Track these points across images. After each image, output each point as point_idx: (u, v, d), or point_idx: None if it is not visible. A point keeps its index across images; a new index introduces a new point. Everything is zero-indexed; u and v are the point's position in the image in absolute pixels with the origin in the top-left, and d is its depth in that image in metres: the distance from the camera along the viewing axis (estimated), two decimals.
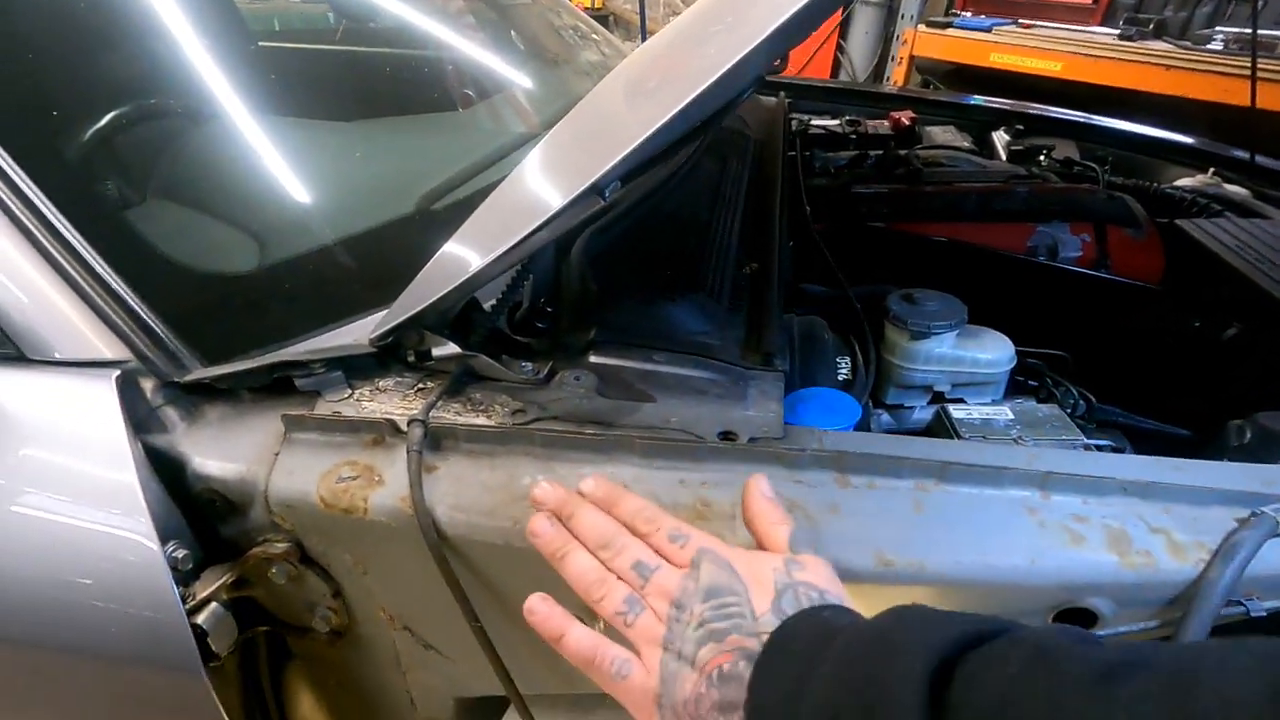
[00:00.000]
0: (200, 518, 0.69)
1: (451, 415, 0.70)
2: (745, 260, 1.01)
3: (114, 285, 0.70)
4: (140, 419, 0.68)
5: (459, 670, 0.73)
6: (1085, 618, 0.63)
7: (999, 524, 0.63)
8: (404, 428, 0.67)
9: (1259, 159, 1.72)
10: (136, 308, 0.70)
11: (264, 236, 0.87)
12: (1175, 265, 1.28)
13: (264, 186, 0.95)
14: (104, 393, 0.66)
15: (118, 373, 0.68)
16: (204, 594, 0.65)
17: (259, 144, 0.98)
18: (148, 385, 0.70)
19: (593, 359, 0.81)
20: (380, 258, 0.88)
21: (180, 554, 0.65)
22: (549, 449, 0.67)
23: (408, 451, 0.64)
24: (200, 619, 0.64)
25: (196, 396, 0.72)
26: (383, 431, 0.68)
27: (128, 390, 0.68)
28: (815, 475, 0.66)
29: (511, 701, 0.65)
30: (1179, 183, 1.68)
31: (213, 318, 0.76)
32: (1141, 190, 1.58)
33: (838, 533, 0.62)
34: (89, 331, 0.69)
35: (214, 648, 0.65)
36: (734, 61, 0.59)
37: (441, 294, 0.69)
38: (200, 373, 0.70)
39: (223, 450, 0.69)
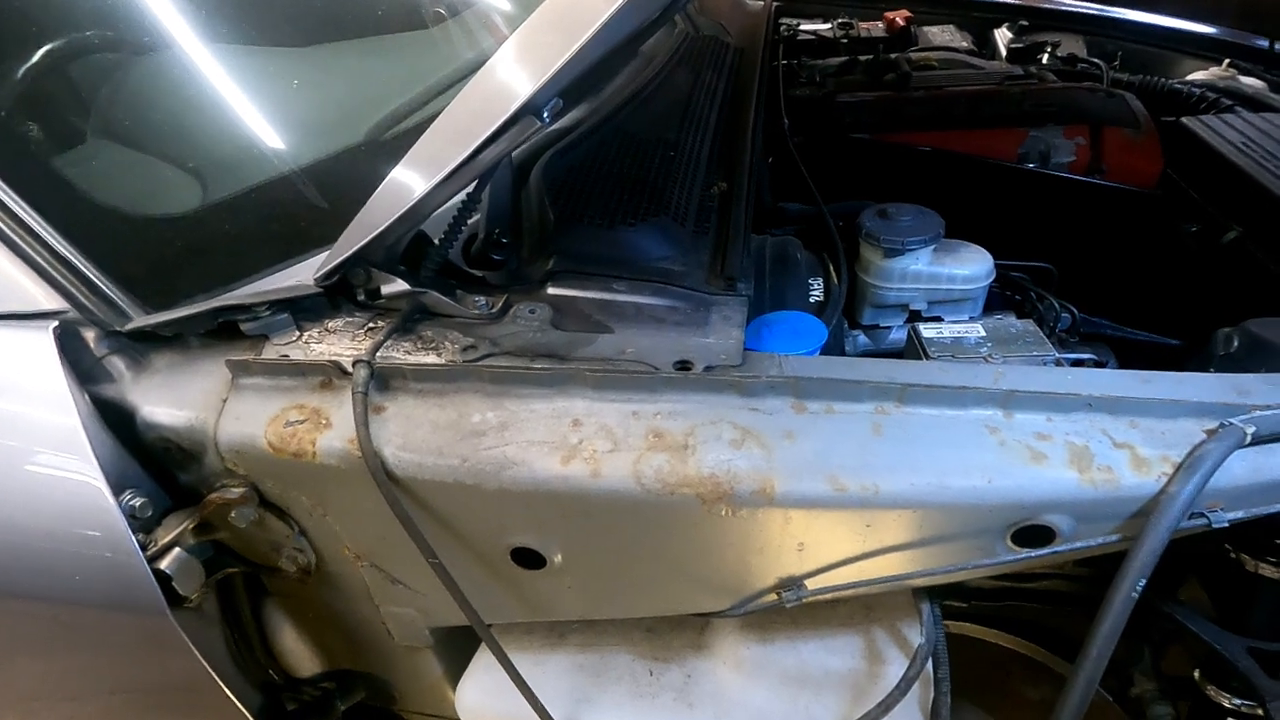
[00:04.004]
0: (159, 466, 0.69)
1: (401, 354, 0.69)
2: (714, 180, 0.96)
3: (43, 233, 0.68)
4: (85, 369, 0.67)
5: (429, 603, 0.75)
6: (1043, 534, 0.62)
7: (958, 445, 0.62)
8: (350, 369, 0.66)
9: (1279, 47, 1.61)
10: (70, 256, 0.68)
11: (206, 175, 0.84)
12: (1176, 165, 1.21)
13: (208, 122, 0.91)
14: (44, 345, 0.65)
15: (55, 324, 0.66)
16: (165, 540, 0.65)
17: (206, 75, 0.92)
18: (90, 335, 0.69)
19: (550, 291, 0.78)
20: (329, 192, 0.84)
21: (138, 502, 0.65)
22: (499, 385, 0.66)
23: (353, 393, 0.63)
24: (164, 564, 0.65)
25: (143, 345, 0.71)
26: (329, 374, 0.67)
27: (69, 341, 0.67)
28: (771, 402, 0.65)
29: (472, 623, 0.67)
30: (1191, 77, 1.58)
31: (153, 263, 0.74)
32: (1148, 87, 1.48)
33: (791, 459, 0.61)
34: (24, 282, 0.68)
35: (181, 590, 0.66)
36: None
37: (382, 228, 0.66)
38: (141, 320, 0.68)
39: (172, 398, 0.68)
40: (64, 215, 0.70)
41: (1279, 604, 0.80)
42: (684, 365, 0.67)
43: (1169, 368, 0.95)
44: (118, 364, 0.69)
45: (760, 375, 0.65)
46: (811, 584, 0.67)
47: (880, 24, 1.90)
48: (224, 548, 0.73)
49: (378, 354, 0.67)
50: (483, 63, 1.14)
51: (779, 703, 0.73)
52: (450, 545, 0.66)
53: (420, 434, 0.63)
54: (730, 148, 1.05)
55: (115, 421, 0.67)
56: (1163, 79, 1.53)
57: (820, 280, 0.92)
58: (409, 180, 0.66)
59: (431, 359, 0.68)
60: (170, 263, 0.75)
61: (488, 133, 0.61)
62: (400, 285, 0.72)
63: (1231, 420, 0.61)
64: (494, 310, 0.74)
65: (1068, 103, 1.19)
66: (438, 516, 0.65)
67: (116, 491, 0.64)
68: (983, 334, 0.77)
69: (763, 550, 0.64)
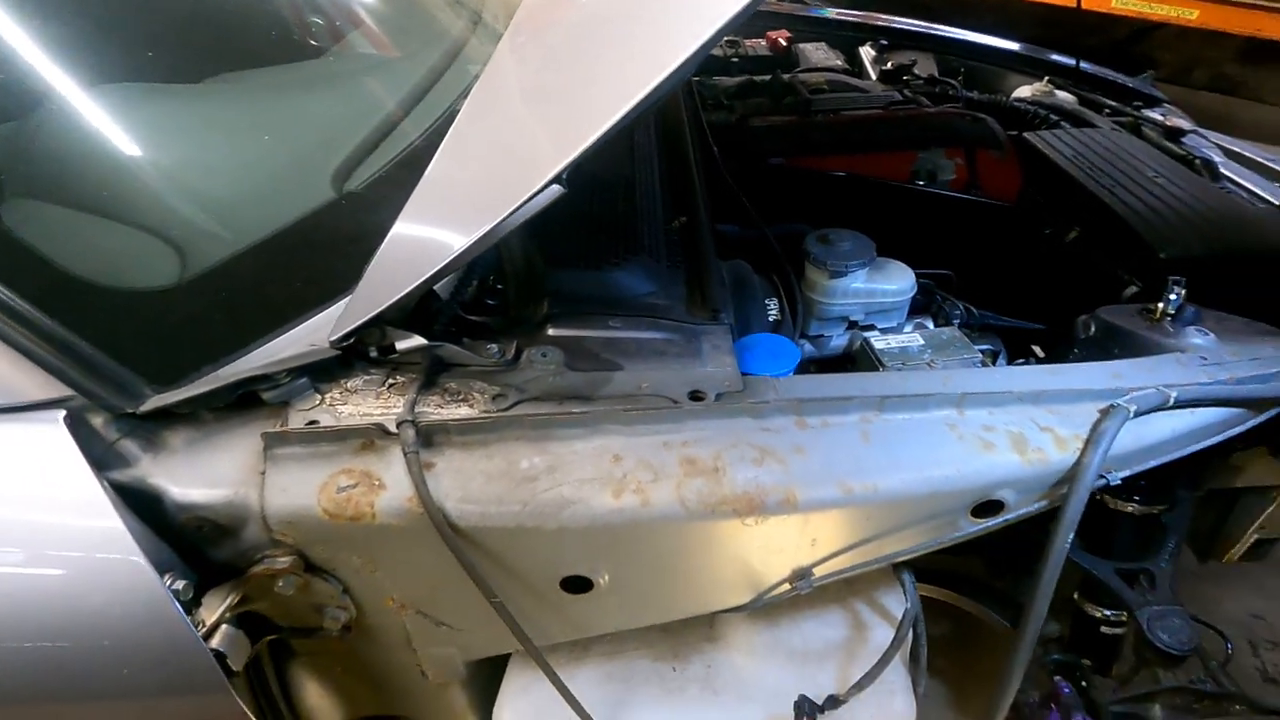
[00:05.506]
0: (186, 545, 0.68)
1: (434, 409, 0.72)
2: (674, 214, 1.05)
3: (33, 317, 0.64)
4: (99, 457, 0.65)
5: (472, 638, 0.78)
6: (995, 507, 0.78)
7: (929, 443, 0.75)
8: (393, 429, 0.68)
9: (1083, 65, 1.94)
10: (68, 339, 0.65)
11: (182, 242, 0.80)
12: (1026, 176, 1.45)
13: (146, 178, 0.85)
14: (55, 436, 0.62)
15: (63, 413, 0.63)
16: (213, 619, 0.65)
17: (137, 122, 0.85)
18: (98, 421, 0.66)
19: (552, 332, 0.84)
20: (316, 249, 0.84)
21: (180, 585, 0.64)
22: (539, 429, 0.71)
23: (404, 454, 0.66)
24: (215, 642, 0.65)
25: (153, 424, 0.69)
26: (371, 435, 0.69)
27: (79, 429, 0.64)
28: (778, 421, 0.75)
29: (531, 656, 0.72)
30: (1017, 93, 1.87)
31: (153, 337, 0.72)
32: (996, 105, 1.74)
33: (805, 470, 0.71)
34: (18, 373, 0.64)
35: (233, 666, 0.66)
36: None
37: (406, 292, 0.69)
38: (158, 400, 0.67)
39: (201, 476, 0.67)
40: (51, 296, 0.66)
41: (1135, 532, 1.02)
42: (697, 395, 0.76)
43: (1039, 344, 1.16)
44: (132, 447, 0.67)
45: (768, 400, 0.75)
46: (819, 571, 0.78)
47: (763, 42, 2.06)
48: (254, 616, 0.73)
49: (414, 411, 0.70)
50: (413, 91, 1.13)
51: (791, 677, 0.84)
52: (504, 583, 0.71)
53: (476, 485, 0.67)
54: (677, 179, 1.14)
55: (139, 506, 0.65)
56: (1003, 96, 1.80)
57: (775, 300, 1.04)
58: (429, 243, 0.70)
59: (466, 410, 0.72)
60: (170, 336, 0.73)
61: (519, 201, 0.66)
62: (414, 340, 0.75)
63: (1118, 402, 0.79)
64: (508, 357, 0.79)
65: (945, 127, 1.39)
66: (494, 558, 0.70)
67: (159, 576, 0.63)
68: (922, 342, 0.92)
69: (782, 549, 0.75)
